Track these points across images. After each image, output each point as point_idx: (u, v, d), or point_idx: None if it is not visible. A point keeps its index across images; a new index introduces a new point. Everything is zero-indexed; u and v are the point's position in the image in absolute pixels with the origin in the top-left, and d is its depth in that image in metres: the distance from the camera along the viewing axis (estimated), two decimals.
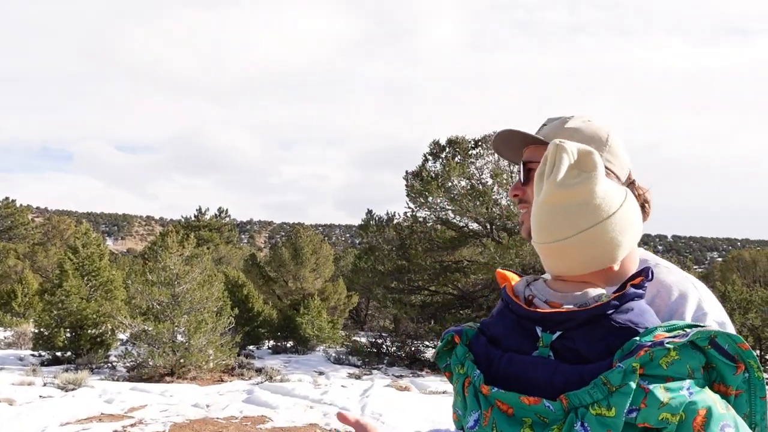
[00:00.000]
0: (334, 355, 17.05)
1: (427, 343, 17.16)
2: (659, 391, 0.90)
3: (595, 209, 1.05)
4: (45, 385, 10.42)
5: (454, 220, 16.88)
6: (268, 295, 22.63)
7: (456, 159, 16.27)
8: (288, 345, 19.30)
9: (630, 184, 1.35)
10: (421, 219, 17.04)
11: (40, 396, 9.50)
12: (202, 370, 12.41)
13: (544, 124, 1.39)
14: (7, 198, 43.04)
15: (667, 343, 0.92)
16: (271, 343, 19.69)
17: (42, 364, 13.42)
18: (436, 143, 16.99)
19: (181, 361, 12.12)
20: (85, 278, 14.65)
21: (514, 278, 1.17)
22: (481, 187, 15.87)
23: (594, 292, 1.06)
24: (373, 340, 17.86)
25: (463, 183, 16.18)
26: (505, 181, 15.71)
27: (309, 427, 8.18)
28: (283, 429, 8.06)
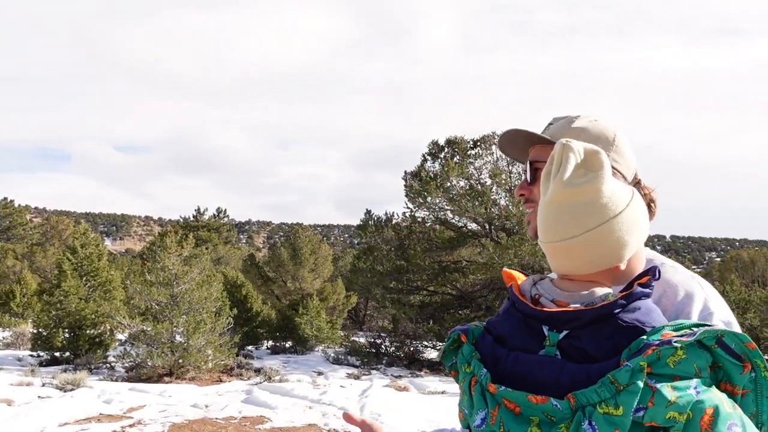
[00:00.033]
0: (333, 355, 17.04)
1: (426, 343, 17.17)
2: (667, 389, 0.90)
3: (602, 208, 1.05)
4: (43, 385, 10.41)
5: (453, 221, 16.89)
6: (266, 295, 22.63)
7: (455, 159, 16.28)
8: (287, 345, 19.29)
9: (636, 183, 1.35)
10: (419, 219, 17.06)
11: (39, 396, 9.48)
12: (201, 371, 12.40)
13: (550, 124, 1.39)
14: (5, 198, 43.07)
15: (675, 342, 0.92)
16: (270, 343, 19.68)
17: (40, 364, 13.39)
18: (434, 143, 17.00)
19: (180, 361, 12.11)
20: (84, 278, 14.63)
21: (520, 277, 1.17)
22: (479, 187, 15.88)
23: (601, 291, 1.06)
24: (372, 340, 17.85)
25: (461, 183, 16.20)
26: (503, 182, 15.73)
27: (308, 428, 8.18)
28: (282, 429, 8.05)
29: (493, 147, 16.43)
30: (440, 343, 16.64)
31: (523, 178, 1.39)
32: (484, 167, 16.40)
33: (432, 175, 16.25)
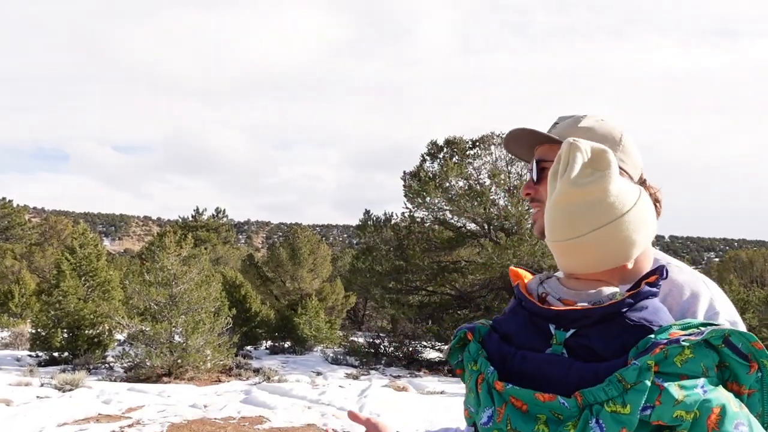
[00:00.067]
0: (331, 355, 17.05)
1: (424, 343, 17.18)
2: (674, 388, 0.90)
3: (609, 207, 1.05)
4: (42, 385, 10.40)
5: (452, 221, 16.90)
6: (265, 295, 22.64)
7: (454, 159, 16.29)
8: (286, 345, 19.30)
9: (642, 183, 1.35)
10: (418, 219, 17.07)
11: (38, 396, 9.48)
12: (200, 371, 12.40)
13: (556, 123, 1.39)
14: (3, 198, 43.07)
15: (683, 340, 0.92)
16: (269, 343, 19.69)
17: (39, 364, 13.39)
18: (433, 143, 17.02)
19: (179, 361, 12.10)
20: (83, 278, 14.62)
21: (527, 276, 1.17)
22: (478, 187, 15.89)
23: (608, 290, 1.06)
24: (371, 340, 17.85)
25: (460, 183, 16.21)
26: (502, 182, 15.74)
27: (307, 428, 8.18)
28: (280, 429, 8.05)
29: (492, 147, 16.44)
30: (439, 344, 16.66)
31: (528, 177, 1.38)
32: (482, 167, 16.43)
33: (431, 175, 16.26)
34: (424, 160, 16.99)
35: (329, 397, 10.00)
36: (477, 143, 16.56)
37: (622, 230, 1.06)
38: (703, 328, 0.96)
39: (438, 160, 16.69)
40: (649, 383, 0.90)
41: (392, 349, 17.09)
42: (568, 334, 1.02)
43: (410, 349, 16.90)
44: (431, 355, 16.95)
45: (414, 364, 16.19)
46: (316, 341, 19.25)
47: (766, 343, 0.97)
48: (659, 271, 1.05)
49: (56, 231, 42.14)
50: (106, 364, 13.72)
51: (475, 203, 15.53)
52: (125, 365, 12.65)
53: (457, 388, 12.00)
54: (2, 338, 17.96)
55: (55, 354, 13.83)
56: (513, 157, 16.42)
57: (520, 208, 15.34)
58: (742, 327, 1.17)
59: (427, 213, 16.96)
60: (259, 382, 11.64)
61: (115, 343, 14.97)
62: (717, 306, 1.21)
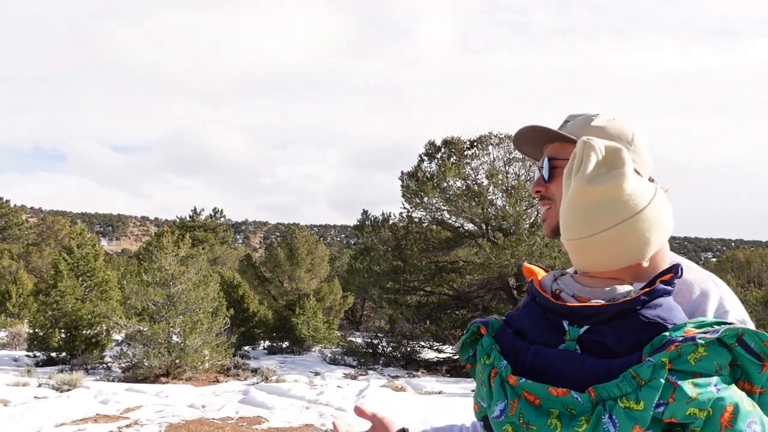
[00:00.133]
0: (329, 355, 17.05)
1: (422, 343, 17.20)
2: (687, 386, 0.90)
3: (624, 206, 1.05)
4: (40, 385, 10.37)
5: (450, 221, 16.91)
6: (263, 295, 22.65)
7: (451, 159, 16.30)
8: (284, 345, 19.29)
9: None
10: (416, 219, 17.08)
11: (35, 397, 9.45)
12: (198, 371, 12.38)
13: (567, 121, 1.39)
14: (1, 198, 42.95)
15: (699, 338, 0.92)
16: (267, 343, 19.68)
17: (37, 364, 13.35)
18: (431, 144, 17.03)
19: (177, 361, 12.08)
20: (80, 279, 14.60)
21: (540, 273, 1.18)
22: (476, 187, 15.89)
23: (622, 288, 1.07)
24: (369, 340, 17.86)
25: (458, 183, 16.22)
26: (500, 182, 15.75)
27: (305, 428, 8.17)
28: (279, 429, 8.04)
29: (490, 147, 16.46)
30: (437, 344, 16.67)
31: (538, 175, 1.38)
32: (480, 167, 16.44)
33: (429, 175, 16.27)
34: (422, 161, 17.00)
35: (327, 398, 9.99)
36: (475, 143, 16.57)
37: (637, 228, 1.06)
38: (717, 327, 0.96)
39: (436, 161, 16.70)
40: (663, 380, 0.91)
41: (390, 349, 17.10)
42: (582, 330, 1.02)
43: (408, 349, 16.91)
44: (429, 355, 16.96)
45: (412, 364, 16.20)
46: (314, 341, 19.25)
47: None
48: (674, 270, 1.05)
49: (54, 231, 42.08)
50: (104, 365, 13.69)
51: (473, 203, 15.54)
52: (123, 365, 12.63)
53: (455, 388, 12.01)
54: (0, 338, 17.92)
55: (53, 354, 13.80)
56: (511, 157, 16.40)
57: (517, 209, 15.35)
58: (751, 326, 1.17)
59: (424, 213, 16.98)
60: (257, 383, 11.63)
61: (113, 344, 14.94)
62: (726, 305, 1.21)
